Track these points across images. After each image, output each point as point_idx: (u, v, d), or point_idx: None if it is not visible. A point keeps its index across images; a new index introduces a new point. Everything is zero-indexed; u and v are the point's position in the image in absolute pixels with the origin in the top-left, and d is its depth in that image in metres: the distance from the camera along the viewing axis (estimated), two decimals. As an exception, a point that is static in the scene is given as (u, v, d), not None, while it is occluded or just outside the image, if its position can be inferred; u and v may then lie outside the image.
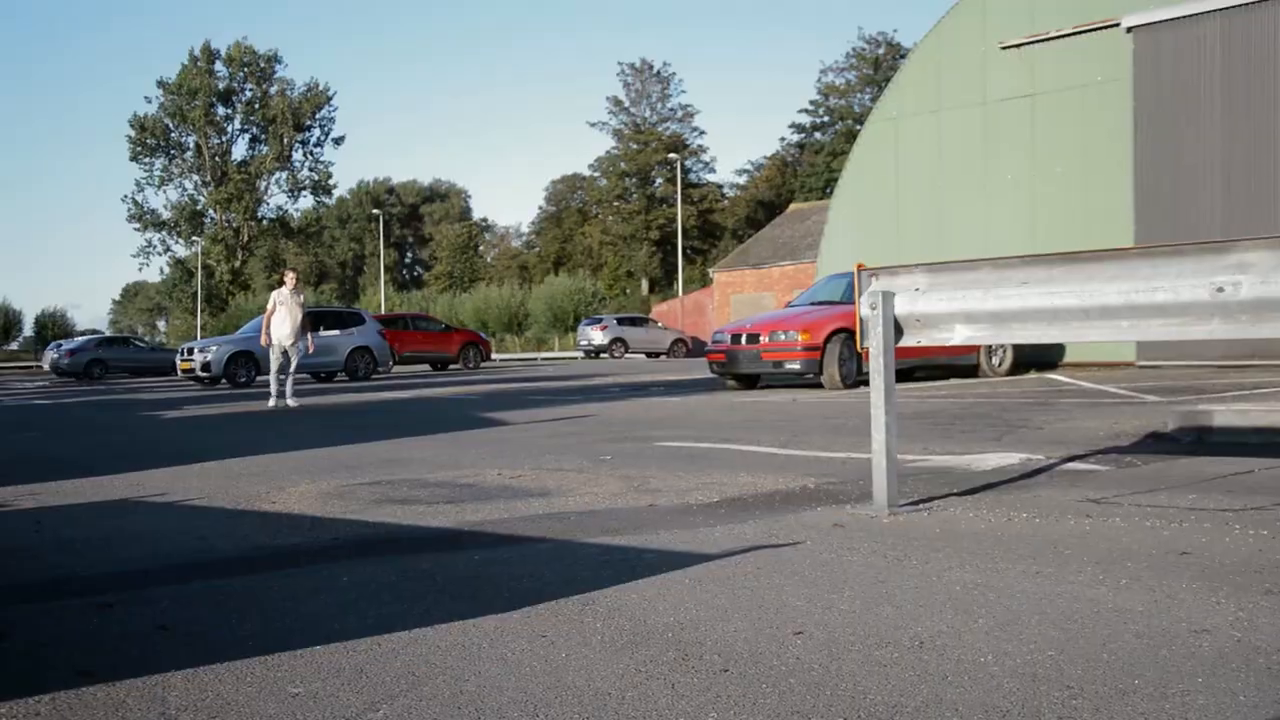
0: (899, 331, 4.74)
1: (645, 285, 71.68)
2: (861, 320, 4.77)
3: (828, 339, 13.16)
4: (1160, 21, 15.62)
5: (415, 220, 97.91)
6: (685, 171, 66.45)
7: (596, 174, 77.09)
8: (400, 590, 3.51)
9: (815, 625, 2.91)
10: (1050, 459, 6.00)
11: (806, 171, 69.46)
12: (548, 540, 4.26)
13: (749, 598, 3.22)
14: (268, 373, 14.99)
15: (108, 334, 51.55)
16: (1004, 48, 17.46)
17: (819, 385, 13.52)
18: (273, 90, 72.93)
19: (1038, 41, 17.07)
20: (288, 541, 4.48)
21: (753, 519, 4.56)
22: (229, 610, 3.32)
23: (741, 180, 79.41)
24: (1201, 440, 6.45)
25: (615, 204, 75.15)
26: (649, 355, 41.00)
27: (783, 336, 13.35)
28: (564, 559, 3.90)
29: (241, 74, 72.57)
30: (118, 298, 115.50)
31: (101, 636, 3.08)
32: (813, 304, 14.72)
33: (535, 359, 45.67)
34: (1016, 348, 14.90)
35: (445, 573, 3.75)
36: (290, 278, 14.95)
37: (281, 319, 14.44)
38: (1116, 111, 16.20)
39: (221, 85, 71.92)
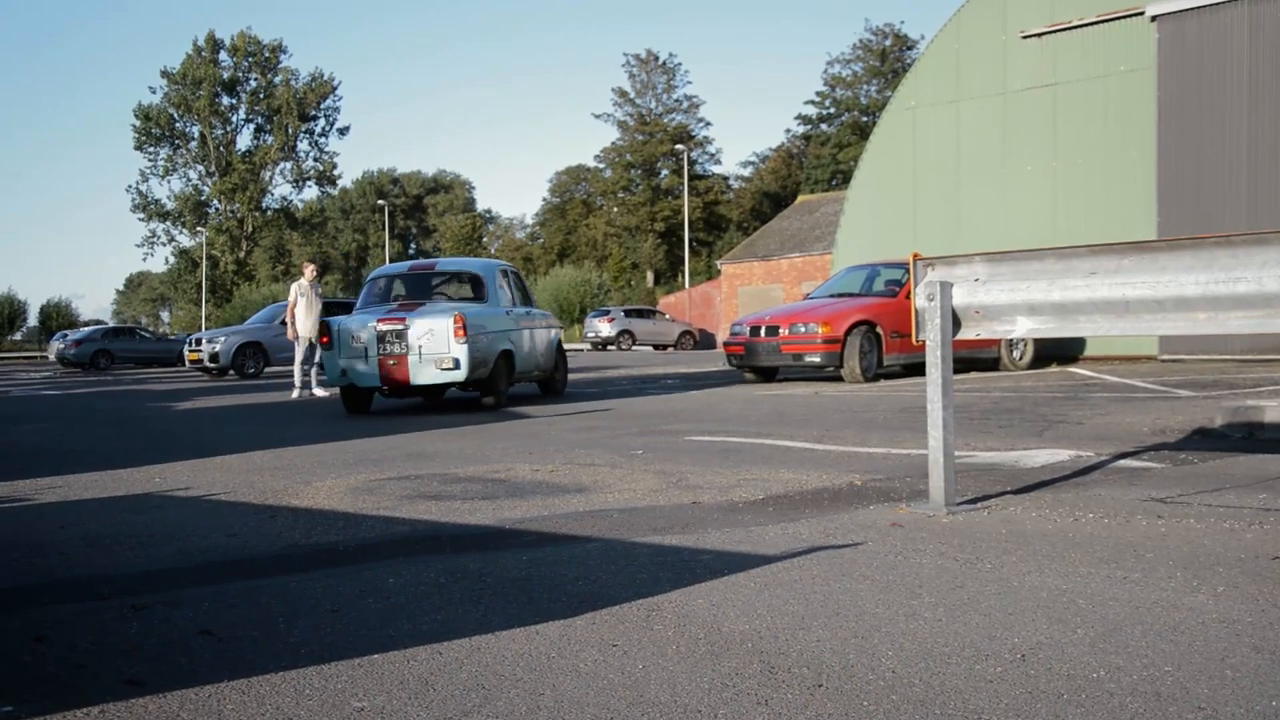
0: (956, 324, 4.56)
1: (650, 277, 71.37)
2: (917, 312, 4.59)
3: (848, 331, 12.96)
4: (1185, 10, 15.38)
5: (419, 211, 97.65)
6: (691, 163, 66.08)
7: (601, 165, 76.67)
8: (450, 593, 3.35)
9: (902, 635, 2.74)
10: (1101, 456, 5.82)
11: (812, 163, 69.09)
12: (595, 539, 4.09)
13: (823, 604, 3.06)
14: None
15: (113, 324, 51.43)
16: (1025, 37, 17.21)
17: (837, 378, 13.33)
18: (277, 80, 72.64)
19: (1060, 30, 16.82)
20: (323, 540, 4.31)
21: (805, 518, 4.40)
22: (273, 614, 3.16)
23: (747, 172, 79.07)
24: (1252, 436, 6.27)
25: (620, 195, 74.73)
26: (656, 348, 40.79)
27: (803, 329, 13.14)
28: (617, 560, 3.73)
29: (246, 64, 72.29)
30: (121, 288, 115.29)
31: (143, 641, 2.91)
32: (832, 296, 14.52)
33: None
34: (1037, 341, 14.68)
35: (495, 574, 3.59)
36: (310, 270, 15.05)
37: (304, 311, 14.53)
38: (1140, 102, 15.96)
39: (226, 75, 71.62)
